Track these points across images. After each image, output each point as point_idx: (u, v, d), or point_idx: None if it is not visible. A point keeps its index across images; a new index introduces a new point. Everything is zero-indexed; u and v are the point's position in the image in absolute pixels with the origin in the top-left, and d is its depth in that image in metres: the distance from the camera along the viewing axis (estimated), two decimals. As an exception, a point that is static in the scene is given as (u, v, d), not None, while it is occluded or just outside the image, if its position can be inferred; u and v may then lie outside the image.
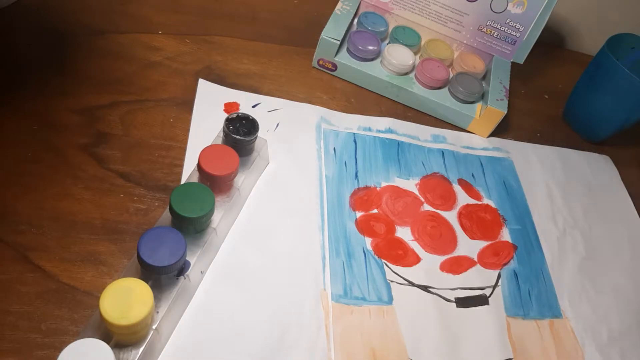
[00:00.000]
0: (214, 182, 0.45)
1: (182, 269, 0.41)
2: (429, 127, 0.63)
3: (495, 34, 0.66)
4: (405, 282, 0.49)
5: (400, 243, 0.52)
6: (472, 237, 0.54)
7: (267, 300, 0.45)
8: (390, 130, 0.61)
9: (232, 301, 0.44)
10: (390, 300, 0.48)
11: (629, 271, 0.58)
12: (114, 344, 0.37)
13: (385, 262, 0.50)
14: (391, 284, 0.49)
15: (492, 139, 0.65)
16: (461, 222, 0.55)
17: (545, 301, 0.52)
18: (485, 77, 0.68)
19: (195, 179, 0.46)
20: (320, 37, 0.62)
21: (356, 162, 0.57)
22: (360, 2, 0.68)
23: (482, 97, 0.66)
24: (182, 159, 0.51)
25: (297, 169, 0.54)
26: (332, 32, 0.62)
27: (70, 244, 0.43)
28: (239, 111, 0.53)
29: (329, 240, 0.50)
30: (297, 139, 0.56)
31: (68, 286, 0.41)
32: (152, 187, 0.48)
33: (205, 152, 0.46)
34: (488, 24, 0.66)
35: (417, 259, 0.51)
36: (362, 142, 0.59)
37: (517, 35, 0.66)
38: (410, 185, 0.57)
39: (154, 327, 0.38)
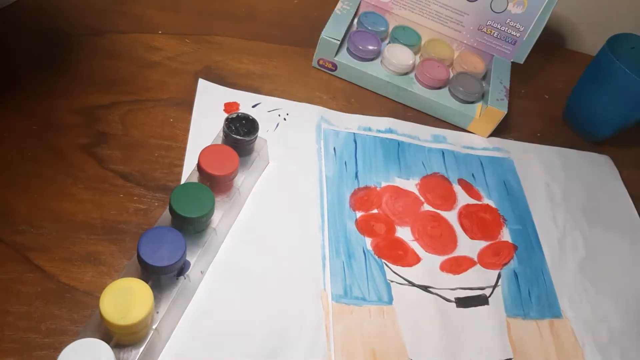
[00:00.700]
0: (214, 182, 0.45)
1: (182, 269, 0.41)
2: (429, 127, 0.63)
3: (495, 33, 0.66)
4: (405, 282, 0.49)
5: (401, 243, 0.52)
6: (472, 237, 0.54)
7: (267, 301, 0.45)
8: (390, 130, 0.61)
9: (232, 301, 0.44)
10: (390, 301, 0.48)
11: (629, 271, 0.58)
12: (114, 344, 0.37)
13: (385, 262, 0.50)
14: (391, 284, 0.49)
15: (492, 139, 0.65)
16: (461, 222, 0.55)
17: (545, 301, 0.52)
18: (485, 77, 0.68)
19: (195, 179, 0.46)
20: (320, 37, 0.62)
21: (356, 162, 0.57)
22: (360, 2, 0.68)
23: (482, 97, 0.65)
24: (182, 159, 0.51)
25: (297, 169, 0.54)
26: (332, 32, 0.62)
27: (70, 244, 0.43)
28: (239, 111, 0.53)
29: (329, 240, 0.50)
30: (297, 139, 0.56)
31: (68, 286, 0.41)
32: (152, 187, 0.48)
33: (205, 152, 0.46)
34: (488, 23, 0.66)
35: (417, 259, 0.51)
36: (362, 142, 0.58)
37: (517, 35, 0.66)
38: (411, 185, 0.57)
39: (154, 327, 0.38)
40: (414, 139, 0.61)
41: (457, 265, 0.52)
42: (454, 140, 0.63)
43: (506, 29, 0.65)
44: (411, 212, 0.54)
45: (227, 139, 0.48)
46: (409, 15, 0.68)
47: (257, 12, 0.69)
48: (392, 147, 0.59)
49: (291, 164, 0.54)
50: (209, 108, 0.56)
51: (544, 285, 0.53)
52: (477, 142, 0.64)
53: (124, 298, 0.36)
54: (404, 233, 0.53)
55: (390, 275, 0.49)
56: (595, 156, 0.69)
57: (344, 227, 0.51)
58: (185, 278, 0.41)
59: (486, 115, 0.63)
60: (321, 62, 0.64)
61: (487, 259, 0.53)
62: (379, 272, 0.49)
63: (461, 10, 0.66)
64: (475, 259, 0.53)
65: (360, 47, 0.63)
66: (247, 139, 0.48)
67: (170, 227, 0.40)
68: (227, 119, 0.48)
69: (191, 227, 0.43)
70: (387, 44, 0.67)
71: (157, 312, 0.39)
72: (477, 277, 0.52)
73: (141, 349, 0.37)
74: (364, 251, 0.50)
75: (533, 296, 0.52)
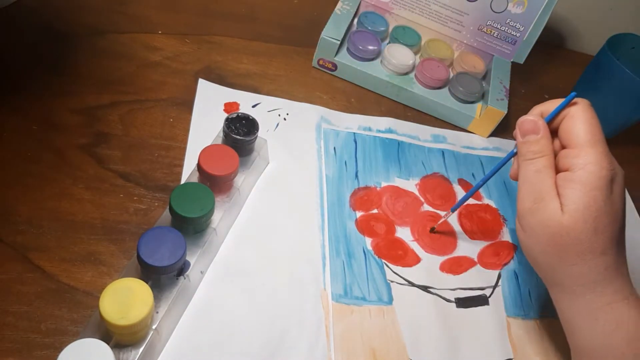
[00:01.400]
0: (214, 182, 0.45)
1: (182, 269, 0.41)
2: (429, 127, 0.63)
3: (495, 33, 0.66)
4: (405, 282, 0.49)
5: (400, 243, 0.52)
6: (472, 237, 0.54)
7: (267, 300, 0.45)
8: (390, 130, 0.61)
9: (232, 301, 0.44)
10: (390, 301, 0.48)
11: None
12: (114, 344, 0.37)
13: (385, 262, 0.50)
14: (391, 284, 0.49)
15: (493, 138, 0.65)
16: (461, 222, 0.55)
17: (546, 301, 0.52)
18: (485, 77, 0.68)
19: (195, 179, 0.46)
20: (320, 37, 0.62)
21: (356, 162, 0.57)
22: (360, 2, 0.68)
23: (482, 97, 0.65)
24: (182, 159, 0.51)
25: (297, 168, 0.54)
26: (332, 32, 0.62)
27: (70, 244, 0.43)
28: (239, 111, 0.53)
29: (329, 240, 0.50)
30: (297, 139, 0.56)
31: (68, 286, 0.41)
32: (152, 187, 0.48)
33: (205, 152, 0.46)
34: (488, 23, 0.66)
35: (417, 259, 0.51)
36: (362, 141, 0.58)
37: (517, 35, 0.66)
38: (410, 185, 0.57)
39: (154, 327, 0.38)
40: (414, 139, 0.61)
41: (457, 266, 0.52)
42: (454, 140, 0.63)
43: (506, 28, 0.65)
44: (411, 212, 0.54)
45: (227, 139, 0.48)
46: (409, 15, 0.68)
47: (257, 12, 0.69)
48: (392, 147, 0.59)
49: (291, 164, 0.54)
50: (209, 108, 0.56)
51: (544, 285, 0.53)
52: (477, 142, 0.64)
53: (124, 298, 0.36)
54: (404, 233, 0.53)
55: (390, 276, 0.49)
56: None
57: (344, 227, 0.51)
58: (185, 278, 0.41)
59: (486, 115, 0.63)
60: (321, 62, 0.64)
61: (487, 259, 0.53)
62: (379, 272, 0.49)
63: (461, 10, 0.66)
64: (475, 259, 0.53)
65: (360, 47, 0.63)
66: (247, 139, 0.48)
67: (170, 227, 0.40)
68: (227, 119, 0.48)
69: (191, 227, 0.43)
70: (387, 44, 0.67)
71: (157, 312, 0.39)
72: (477, 277, 0.52)
73: (141, 349, 0.37)
74: (364, 251, 0.50)
75: (533, 296, 0.52)
